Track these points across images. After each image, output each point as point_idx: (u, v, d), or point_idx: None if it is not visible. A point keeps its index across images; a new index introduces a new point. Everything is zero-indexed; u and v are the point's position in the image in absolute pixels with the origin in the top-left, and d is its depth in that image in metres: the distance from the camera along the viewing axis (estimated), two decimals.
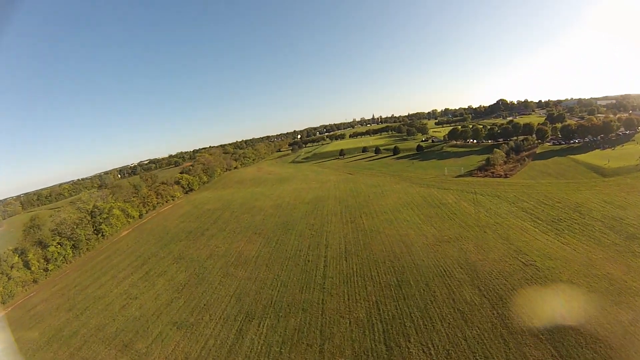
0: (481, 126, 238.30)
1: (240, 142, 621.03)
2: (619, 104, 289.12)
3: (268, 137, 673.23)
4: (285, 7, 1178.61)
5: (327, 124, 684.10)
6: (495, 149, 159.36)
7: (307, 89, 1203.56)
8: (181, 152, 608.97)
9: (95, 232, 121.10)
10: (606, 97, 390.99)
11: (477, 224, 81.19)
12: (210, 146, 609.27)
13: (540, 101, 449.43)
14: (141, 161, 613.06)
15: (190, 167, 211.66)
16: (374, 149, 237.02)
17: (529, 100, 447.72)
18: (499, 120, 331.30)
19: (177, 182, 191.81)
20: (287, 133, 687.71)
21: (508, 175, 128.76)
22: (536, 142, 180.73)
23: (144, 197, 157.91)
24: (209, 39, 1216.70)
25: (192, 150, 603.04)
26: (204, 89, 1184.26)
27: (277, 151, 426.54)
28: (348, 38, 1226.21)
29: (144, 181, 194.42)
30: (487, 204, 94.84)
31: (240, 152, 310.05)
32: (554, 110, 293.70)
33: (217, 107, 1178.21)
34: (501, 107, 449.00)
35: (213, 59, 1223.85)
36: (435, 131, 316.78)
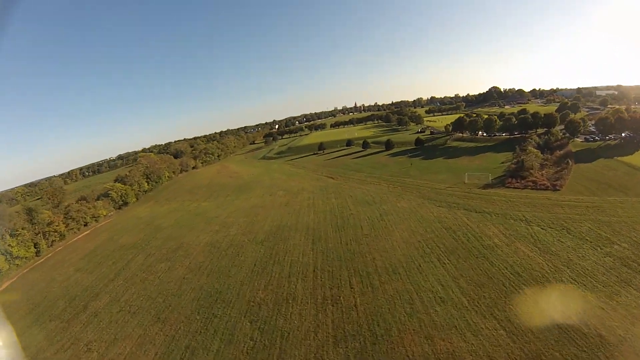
0: (487, 116, 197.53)
1: (213, 134, 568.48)
2: (621, 94, 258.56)
3: (245, 128, 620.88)
4: None
5: (308, 113, 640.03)
6: (528, 147, 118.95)
7: (288, 77, 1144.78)
8: (155, 145, 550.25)
9: None
10: (596, 87, 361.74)
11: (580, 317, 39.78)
12: (185, 139, 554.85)
13: (534, 90, 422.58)
14: (110, 158, 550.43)
15: (127, 173, 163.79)
16: (362, 142, 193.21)
17: (522, 90, 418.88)
18: (496, 109, 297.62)
19: (106, 195, 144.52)
20: (266, 123, 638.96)
21: (557, 187, 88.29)
22: (562, 137, 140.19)
23: (45, 224, 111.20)
24: (194, 31, 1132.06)
25: (164, 143, 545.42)
26: (184, 80, 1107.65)
27: (251, 143, 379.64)
28: (331, 26, 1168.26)
29: (49, 199, 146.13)
30: (560, 249, 56.04)
31: (202, 147, 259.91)
32: (566, 100, 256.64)
33: (195, 99, 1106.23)
34: (494, 95, 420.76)
35: (194, 50, 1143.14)
36: (430, 121, 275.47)
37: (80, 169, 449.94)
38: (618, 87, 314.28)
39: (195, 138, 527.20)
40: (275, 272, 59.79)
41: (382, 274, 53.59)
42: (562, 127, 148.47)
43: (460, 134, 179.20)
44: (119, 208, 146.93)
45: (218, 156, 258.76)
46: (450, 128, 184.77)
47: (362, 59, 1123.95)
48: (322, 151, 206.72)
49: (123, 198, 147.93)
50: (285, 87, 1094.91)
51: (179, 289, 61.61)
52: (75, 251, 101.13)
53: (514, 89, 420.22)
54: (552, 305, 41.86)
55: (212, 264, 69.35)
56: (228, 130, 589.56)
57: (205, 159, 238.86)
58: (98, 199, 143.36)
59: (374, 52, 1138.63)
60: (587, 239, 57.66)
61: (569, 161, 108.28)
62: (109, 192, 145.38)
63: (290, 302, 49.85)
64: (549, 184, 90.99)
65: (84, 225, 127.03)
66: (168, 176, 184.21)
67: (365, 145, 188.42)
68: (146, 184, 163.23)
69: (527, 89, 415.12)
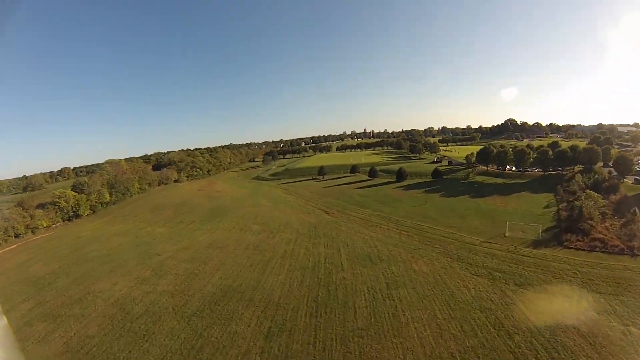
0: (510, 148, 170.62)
1: (215, 147, 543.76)
2: None
3: (250, 144, 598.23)
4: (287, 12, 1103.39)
5: (316, 135, 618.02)
6: (585, 191, 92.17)
7: (298, 100, 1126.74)
8: (155, 153, 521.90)
9: None
10: (613, 124, 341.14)
11: None
12: (187, 149, 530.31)
13: (551, 124, 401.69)
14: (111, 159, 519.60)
15: (86, 181, 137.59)
16: (369, 169, 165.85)
17: (540, 123, 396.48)
18: (514, 142, 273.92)
19: (54, 204, 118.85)
20: (273, 142, 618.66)
21: (636, 251, 61.50)
22: (607, 175, 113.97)
23: None
24: (207, 43, 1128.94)
25: (165, 151, 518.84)
26: (193, 92, 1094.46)
27: (250, 161, 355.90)
28: (337, 48, 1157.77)
29: None
30: None
31: (189, 160, 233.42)
32: (597, 135, 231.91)
33: (201, 110, 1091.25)
34: (511, 127, 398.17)
35: (206, 63, 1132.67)
36: (446, 150, 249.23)
37: (74, 168, 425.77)
38: (636, 125, 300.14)
39: (196, 149, 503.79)
40: None
41: None
42: (601, 164, 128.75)
43: (485, 167, 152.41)
44: (69, 219, 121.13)
45: (208, 171, 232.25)
46: (474, 159, 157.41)
47: (373, 86, 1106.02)
48: (322, 176, 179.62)
49: (75, 209, 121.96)
50: (296, 109, 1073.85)
51: None
52: None
53: (526, 122, 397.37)
54: None
55: (99, 346, 41.36)
56: (231, 144, 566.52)
57: (192, 172, 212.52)
58: (44, 206, 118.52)
59: (384, 80, 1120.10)
60: None
61: (637, 210, 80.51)
62: (57, 200, 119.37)
63: None
64: (622, 246, 63.82)
65: (15, 237, 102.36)
66: (140, 188, 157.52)
67: (372, 173, 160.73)
68: (108, 195, 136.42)
69: (543, 123, 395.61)
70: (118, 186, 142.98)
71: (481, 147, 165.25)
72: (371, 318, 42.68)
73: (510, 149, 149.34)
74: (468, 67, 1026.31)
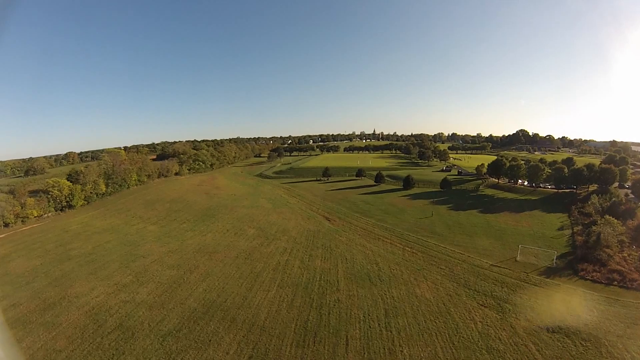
0: (522, 161, 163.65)
1: (222, 140, 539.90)
2: None
3: (257, 138, 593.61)
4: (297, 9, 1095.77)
5: (325, 133, 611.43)
6: (596, 215, 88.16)
7: (309, 97, 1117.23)
8: (162, 142, 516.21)
9: None
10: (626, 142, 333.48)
11: None
12: (194, 140, 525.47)
13: (564, 138, 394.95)
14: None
15: (82, 170, 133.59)
16: (376, 173, 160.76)
17: (552, 136, 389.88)
18: (525, 154, 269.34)
19: (46, 192, 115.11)
20: (281, 137, 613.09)
21: None
22: (624, 198, 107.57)
23: None
24: (220, 36, 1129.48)
25: (173, 140, 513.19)
26: (205, 84, 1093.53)
27: (256, 156, 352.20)
28: (351, 44, 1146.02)
29: None
30: None
31: (192, 152, 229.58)
32: (614, 153, 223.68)
33: (212, 103, 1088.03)
34: (522, 138, 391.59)
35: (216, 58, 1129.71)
36: (455, 159, 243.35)
37: (80, 153, 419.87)
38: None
39: (202, 141, 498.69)
40: None
41: None
42: (616, 184, 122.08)
43: (496, 180, 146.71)
44: (61, 210, 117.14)
45: (211, 165, 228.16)
46: (485, 170, 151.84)
47: (385, 88, 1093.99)
48: (326, 178, 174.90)
49: (68, 199, 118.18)
50: (307, 107, 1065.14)
51: None
52: None
53: (538, 134, 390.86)
54: None
55: None
56: (238, 138, 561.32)
57: (194, 166, 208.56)
58: (37, 193, 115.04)
59: (396, 82, 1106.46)
60: None
61: None
62: (50, 189, 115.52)
63: None
64: None
65: (5, 226, 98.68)
66: (138, 180, 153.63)
67: (378, 178, 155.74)
68: (104, 186, 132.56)
69: (555, 136, 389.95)
70: (115, 177, 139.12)
71: (492, 157, 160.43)
72: (364, 353, 37.92)
73: (523, 163, 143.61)
74: (479, 75, 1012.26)
